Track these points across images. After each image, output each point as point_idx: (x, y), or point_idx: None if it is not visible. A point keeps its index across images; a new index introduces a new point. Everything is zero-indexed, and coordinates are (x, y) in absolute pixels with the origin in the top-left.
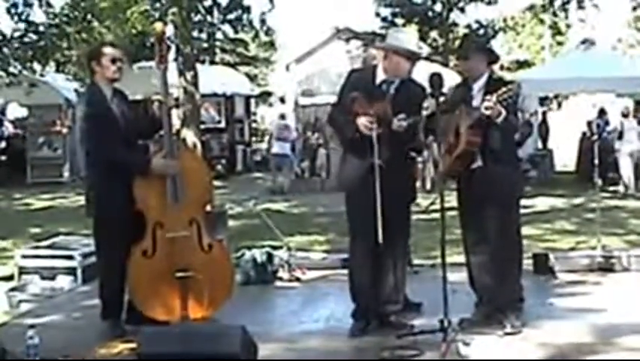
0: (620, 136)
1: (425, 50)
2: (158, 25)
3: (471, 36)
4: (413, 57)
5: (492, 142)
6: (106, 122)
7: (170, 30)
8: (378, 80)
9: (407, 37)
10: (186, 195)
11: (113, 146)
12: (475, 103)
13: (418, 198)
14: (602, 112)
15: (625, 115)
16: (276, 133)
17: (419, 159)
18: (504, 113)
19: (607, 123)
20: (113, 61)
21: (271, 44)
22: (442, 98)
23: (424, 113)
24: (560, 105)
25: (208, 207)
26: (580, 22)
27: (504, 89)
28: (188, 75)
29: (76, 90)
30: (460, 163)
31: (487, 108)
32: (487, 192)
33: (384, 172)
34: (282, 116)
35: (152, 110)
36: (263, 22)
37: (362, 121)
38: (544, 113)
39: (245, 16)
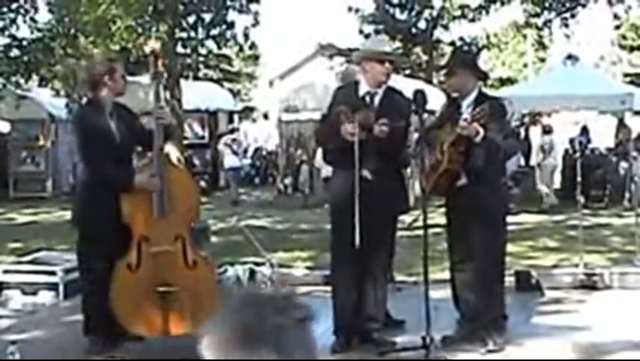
0: (550, 151)
1: (408, 67)
2: (152, 42)
3: (458, 52)
4: (386, 58)
5: (475, 160)
6: (100, 138)
7: (152, 45)
8: (361, 93)
9: (377, 42)
10: (173, 210)
11: (101, 163)
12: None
13: (408, 212)
14: (584, 129)
15: (547, 131)
16: (226, 148)
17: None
18: (482, 132)
19: (589, 141)
20: (123, 77)
21: (255, 58)
22: (425, 115)
23: (410, 129)
24: (535, 123)
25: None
26: (565, 38)
27: (478, 109)
28: (172, 91)
29: (67, 105)
30: (444, 180)
31: (462, 128)
32: (471, 209)
33: (370, 185)
34: (232, 131)
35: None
36: (246, 36)
37: (345, 128)
38: (526, 130)
39: (229, 32)
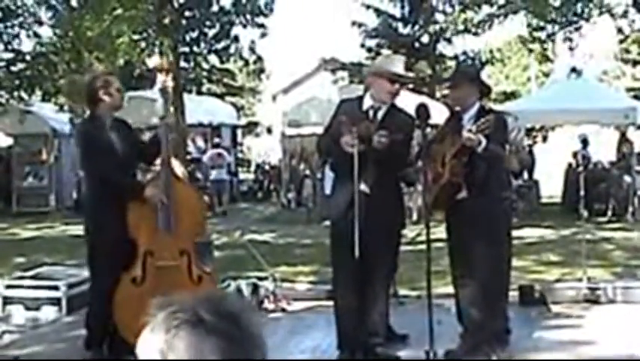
0: None
1: (412, 80)
2: (156, 57)
3: (462, 66)
4: (397, 80)
5: (477, 172)
6: (103, 151)
7: (156, 60)
8: (365, 107)
9: (392, 61)
10: (178, 225)
11: (107, 172)
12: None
13: (405, 228)
14: (584, 142)
15: None
16: (211, 162)
17: (405, 189)
18: (484, 142)
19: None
20: (119, 90)
21: (261, 71)
22: (428, 129)
23: (413, 143)
24: (545, 139)
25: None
26: (568, 52)
27: (483, 119)
28: (175, 105)
29: (71, 120)
30: (446, 193)
31: (467, 139)
32: (472, 223)
33: (369, 200)
34: (216, 145)
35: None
36: (252, 50)
37: (344, 139)
38: (530, 145)
39: (233, 46)
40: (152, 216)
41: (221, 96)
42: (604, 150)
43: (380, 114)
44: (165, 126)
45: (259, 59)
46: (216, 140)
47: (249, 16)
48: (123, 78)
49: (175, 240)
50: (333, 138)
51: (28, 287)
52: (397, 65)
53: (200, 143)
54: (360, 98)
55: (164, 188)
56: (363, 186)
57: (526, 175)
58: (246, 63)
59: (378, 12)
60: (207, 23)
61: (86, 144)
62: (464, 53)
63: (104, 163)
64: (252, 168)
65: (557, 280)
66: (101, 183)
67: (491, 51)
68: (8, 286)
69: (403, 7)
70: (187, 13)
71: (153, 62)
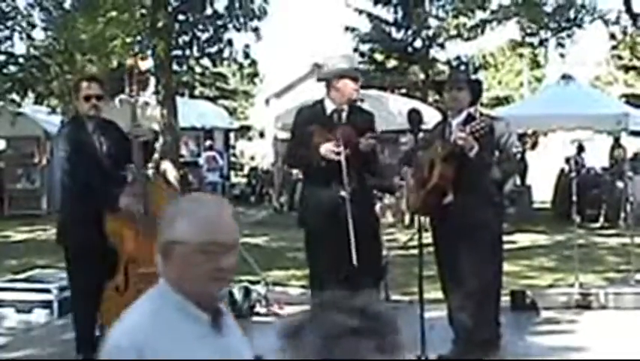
0: None
1: (404, 86)
2: (134, 59)
3: (463, 70)
4: (357, 77)
5: (465, 177)
6: (81, 152)
7: (150, 63)
8: (328, 111)
9: (348, 59)
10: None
11: (84, 175)
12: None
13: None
14: (580, 148)
15: None
16: (207, 164)
17: (398, 193)
18: (476, 147)
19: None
20: (87, 98)
21: (254, 75)
22: (420, 134)
23: (403, 148)
24: (534, 146)
25: None
26: (560, 58)
27: (477, 120)
28: (168, 108)
29: (62, 122)
30: (433, 197)
31: (460, 139)
32: (459, 228)
33: (351, 205)
34: (210, 147)
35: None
36: (247, 54)
37: (327, 147)
38: (522, 150)
39: (227, 50)
40: (132, 223)
41: (213, 100)
42: (597, 157)
43: (344, 115)
44: (134, 130)
45: (253, 62)
46: (209, 142)
47: (242, 20)
48: (115, 81)
49: (156, 245)
50: (306, 146)
51: (20, 290)
52: (354, 62)
53: (193, 146)
54: (320, 103)
55: (139, 194)
56: (343, 192)
57: (518, 180)
58: (240, 67)
59: (371, 17)
60: (200, 27)
61: (64, 146)
62: (457, 58)
63: (82, 166)
64: (245, 172)
65: (549, 286)
66: (73, 183)
67: (484, 56)
68: (0, 289)
69: (395, 12)
70: (180, 17)
71: (129, 62)
